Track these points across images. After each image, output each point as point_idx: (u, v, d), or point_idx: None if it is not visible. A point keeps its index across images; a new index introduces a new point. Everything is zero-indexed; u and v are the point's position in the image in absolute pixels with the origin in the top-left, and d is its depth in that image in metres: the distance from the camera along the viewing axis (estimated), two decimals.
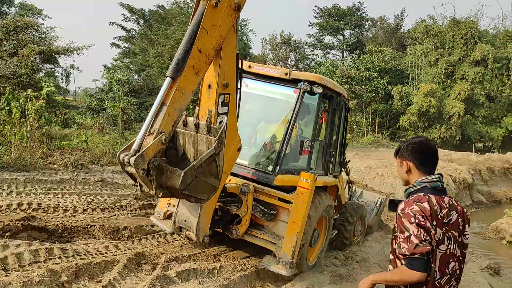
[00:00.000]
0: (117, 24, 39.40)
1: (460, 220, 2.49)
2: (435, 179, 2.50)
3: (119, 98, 22.58)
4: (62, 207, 7.71)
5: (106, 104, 25.09)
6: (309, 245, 5.88)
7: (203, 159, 4.16)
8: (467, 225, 2.54)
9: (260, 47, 56.94)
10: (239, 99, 5.06)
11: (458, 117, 35.02)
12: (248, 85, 6.03)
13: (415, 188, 2.51)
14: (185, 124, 4.55)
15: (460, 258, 2.51)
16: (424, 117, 36.14)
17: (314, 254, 6.33)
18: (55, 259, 4.88)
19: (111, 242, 5.90)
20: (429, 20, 43.40)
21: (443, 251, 2.39)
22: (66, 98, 36.64)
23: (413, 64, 40.74)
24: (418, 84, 38.71)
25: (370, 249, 7.53)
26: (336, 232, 7.31)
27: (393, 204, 2.83)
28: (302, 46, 52.75)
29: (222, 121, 4.65)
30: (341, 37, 54.20)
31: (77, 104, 38.54)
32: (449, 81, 39.02)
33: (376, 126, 40.18)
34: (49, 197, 8.49)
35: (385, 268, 6.80)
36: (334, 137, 7.04)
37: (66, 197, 8.72)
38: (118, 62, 43.42)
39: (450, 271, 2.44)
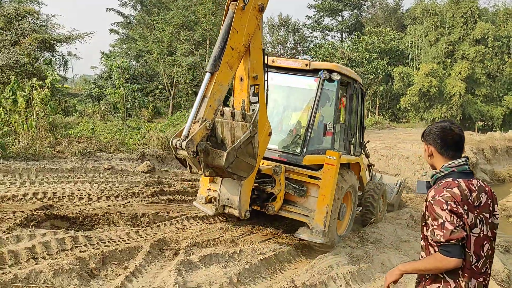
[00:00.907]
0: (114, 10, 38.95)
1: (489, 201, 2.49)
2: (462, 163, 2.49)
3: (120, 85, 22.44)
4: (76, 195, 7.78)
5: (107, 91, 24.96)
6: (338, 218, 6.45)
7: (241, 141, 4.85)
8: (495, 205, 2.54)
9: None
10: (267, 90, 5.71)
11: (459, 96, 35.01)
12: (273, 78, 6.44)
13: (443, 174, 2.50)
14: (222, 114, 5.10)
15: (491, 238, 2.50)
16: (425, 97, 36.11)
17: (343, 227, 6.93)
18: (81, 247, 4.96)
19: (131, 229, 5.98)
20: None
21: (477, 234, 2.38)
22: (65, 85, 36.36)
23: (413, 44, 40.53)
24: (418, 64, 38.59)
25: (383, 230, 7.63)
26: (361, 208, 7.93)
27: (422, 186, 2.79)
28: (300, 29, 52.36)
29: (254, 109, 5.23)
30: (340, 19, 53.84)
31: (76, 91, 38.43)
32: (449, 60, 38.88)
33: (377, 108, 40.18)
34: (62, 185, 8.56)
35: (399, 249, 6.92)
36: (353, 120, 7.54)
37: (79, 185, 8.79)
38: (116, 48, 43.10)
39: (485, 253, 2.44)
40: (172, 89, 35.30)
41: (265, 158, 6.20)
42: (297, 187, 6.31)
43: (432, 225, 2.35)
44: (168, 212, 7.32)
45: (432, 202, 2.37)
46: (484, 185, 2.52)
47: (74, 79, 57.18)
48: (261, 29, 5.34)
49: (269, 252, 5.73)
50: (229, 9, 4.90)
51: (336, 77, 6.44)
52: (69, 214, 6.27)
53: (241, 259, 5.39)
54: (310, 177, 6.25)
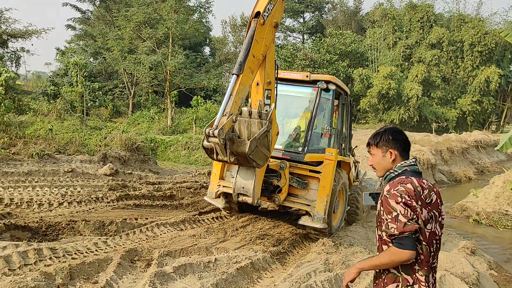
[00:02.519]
0: (71, 5, 37.48)
1: (438, 200, 2.57)
2: (412, 163, 2.60)
3: (77, 83, 21.56)
4: (36, 201, 7.33)
5: (63, 89, 23.93)
6: (333, 211, 7.38)
7: (260, 133, 5.69)
8: (442, 206, 2.62)
9: (221, 29, 55.93)
10: (276, 95, 6.77)
11: (416, 99, 36.11)
12: (277, 88, 7.08)
13: (396, 173, 2.57)
14: (240, 113, 5.83)
15: (440, 236, 2.58)
16: (384, 99, 37.01)
17: (336, 220, 7.84)
18: (46, 260, 4.60)
19: (99, 239, 5.64)
20: (387, 3, 44.32)
21: (430, 230, 2.44)
22: (17, 82, 34.61)
23: (372, 47, 41.47)
24: (377, 67, 39.51)
25: (355, 234, 7.64)
26: (349, 208, 8.89)
27: (368, 197, 3.02)
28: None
29: (267, 109, 6.22)
30: (301, 20, 54.29)
31: (29, 89, 36.65)
32: (407, 63, 40.12)
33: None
34: (19, 190, 8.04)
35: (372, 253, 6.92)
36: (344, 127, 8.65)
37: (38, 190, 8.29)
38: (72, 44, 41.53)
39: (434, 249, 2.50)
40: (132, 88, 34.41)
41: (271, 157, 6.88)
42: (299, 180, 7.27)
43: (387, 219, 2.38)
44: (136, 219, 7.01)
45: (387, 196, 2.41)
46: (432, 186, 2.60)
47: (26, 75, 54.67)
48: (274, 43, 6.55)
49: (245, 260, 5.56)
50: (251, 23, 5.93)
51: (332, 87, 7.51)
52: (30, 223, 5.85)
53: (216, 268, 5.19)
54: (311, 171, 7.19)
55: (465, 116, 38.69)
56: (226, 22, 51.22)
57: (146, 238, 6.16)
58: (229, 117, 5.39)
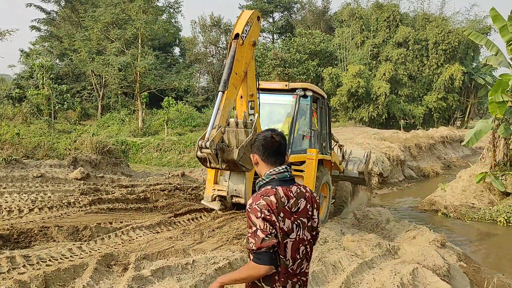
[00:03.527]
0: (35, 5, 36.39)
1: (308, 206, 2.58)
2: (282, 170, 2.57)
3: (44, 86, 21.01)
4: (5, 208, 7.10)
5: (29, 92, 23.27)
6: None
7: (247, 141, 6.36)
8: (315, 210, 2.65)
9: (190, 29, 55.34)
10: (259, 105, 7.46)
11: (384, 96, 36.89)
12: (260, 97, 7.72)
13: (264, 181, 2.57)
14: (228, 124, 6.56)
15: (311, 240, 2.61)
16: (353, 97, 37.65)
17: (322, 213, 8.61)
18: (20, 268, 4.47)
19: (73, 244, 5.53)
20: (354, 3, 45.08)
21: (293, 239, 2.46)
22: None
23: (341, 46, 42.10)
24: (346, 66, 40.14)
25: (330, 230, 7.74)
26: (334, 201, 10.30)
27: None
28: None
29: (252, 119, 6.89)
30: (271, 20, 54.52)
31: None
32: (374, 62, 40.96)
33: None
34: None
35: (347, 250, 7.06)
36: (323, 128, 9.40)
37: (6, 197, 8.03)
38: (37, 46, 40.37)
39: (301, 255, 2.53)
40: (101, 90, 33.79)
41: None
42: None
43: (248, 233, 2.41)
44: (111, 223, 6.90)
45: (249, 210, 2.41)
46: (305, 191, 2.62)
47: None
48: (254, 59, 7.29)
49: (223, 260, 5.56)
50: (231, 44, 6.60)
51: (309, 93, 8.25)
52: (0, 230, 5.67)
53: (195, 270, 5.17)
54: (295, 171, 7.84)
55: (432, 112, 39.83)
56: (195, 22, 50.84)
57: (122, 242, 6.08)
58: (218, 130, 6.13)
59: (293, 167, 7.89)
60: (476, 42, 15.25)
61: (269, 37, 55.43)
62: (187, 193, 11.00)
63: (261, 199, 2.39)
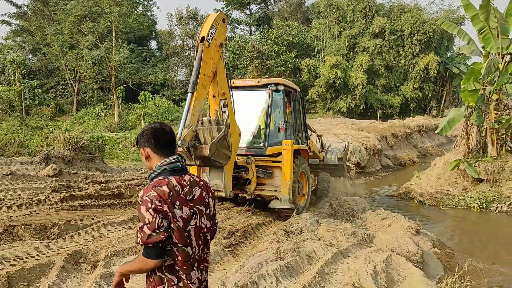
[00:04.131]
0: None
1: (204, 194, 2.60)
2: (173, 160, 2.55)
3: (16, 81, 20.44)
4: None
5: (0, 88, 22.60)
6: (298, 193, 8.69)
7: (218, 138, 6.70)
8: (211, 198, 2.68)
9: (167, 22, 54.70)
10: (233, 102, 7.68)
11: (361, 87, 37.18)
12: (234, 95, 7.94)
13: (156, 173, 2.53)
14: (202, 123, 6.90)
15: (210, 228, 2.65)
16: (331, 88, 37.83)
17: (303, 199, 9.23)
18: None
19: (40, 243, 5.37)
20: None
21: (194, 226, 2.48)
22: None
23: (318, 37, 42.17)
24: (324, 57, 40.26)
25: (306, 221, 7.74)
26: (320, 188, 11.20)
27: None
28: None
29: (225, 116, 7.18)
30: (248, 12, 54.22)
31: None
32: (351, 53, 41.19)
33: None
34: None
35: (323, 239, 7.07)
36: (298, 119, 9.78)
37: None
38: (8, 41, 39.22)
39: (202, 242, 2.55)
40: (75, 85, 33.08)
41: (238, 155, 8.11)
42: (265, 171, 8.44)
43: (138, 226, 2.38)
44: (81, 220, 6.75)
45: (140, 202, 2.37)
46: (198, 180, 2.63)
47: None
48: (222, 59, 7.54)
49: None
50: (198, 47, 6.90)
51: (281, 87, 8.72)
52: None
53: None
54: (274, 162, 8.36)
55: (408, 102, 40.33)
56: (172, 15, 50.27)
57: (92, 239, 5.94)
58: (190, 128, 6.43)
59: (271, 159, 8.40)
60: (449, 32, 15.42)
61: (246, 29, 55.19)
62: None
63: (153, 190, 2.34)
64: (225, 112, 7.40)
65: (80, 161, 13.14)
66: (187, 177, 2.53)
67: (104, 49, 25.55)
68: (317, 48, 42.07)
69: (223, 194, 7.56)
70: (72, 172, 11.40)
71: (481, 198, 11.90)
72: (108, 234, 6.26)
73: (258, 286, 4.94)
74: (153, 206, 2.28)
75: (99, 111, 29.71)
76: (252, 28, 54.95)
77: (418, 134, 26.51)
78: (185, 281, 2.42)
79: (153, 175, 2.51)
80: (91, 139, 21.13)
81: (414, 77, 39.46)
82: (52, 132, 14.54)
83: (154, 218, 2.27)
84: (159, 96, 33.08)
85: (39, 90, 21.32)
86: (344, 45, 41.10)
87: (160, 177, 2.44)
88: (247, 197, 8.57)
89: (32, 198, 7.95)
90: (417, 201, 12.82)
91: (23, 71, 23.74)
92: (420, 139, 26.27)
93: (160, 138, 2.55)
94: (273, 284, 5.07)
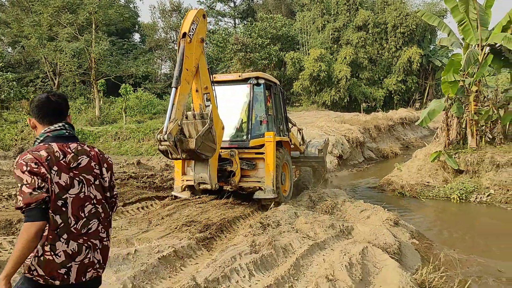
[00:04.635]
0: None
1: (93, 164, 2.54)
2: (58, 128, 2.50)
3: None
4: None
5: None
6: (281, 183, 8.94)
7: (203, 131, 6.89)
8: (104, 169, 2.61)
9: (150, 15, 54.06)
10: (216, 97, 7.96)
11: (345, 80, 37.22)
12: (216, 90, 8.20)
13: (39, 140, 2.47)
14: (186, 117, 7.07)
15: (103, 200, 2.57)
16: (315, 81, 37.78)
17: (286, 189, 9.44)
18: None
19: (4, 239, 5.16)
20: None
21: (74, 195, 2.39)
22: None
23: (302, 30, 42.05)
24: (308, 50, 40.17)
25: (284, 213, 7.64)
26: (301, 180, 11.39)
27: None
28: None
29: (208, 110, 7.36)
30: (232, 4, 53.82)
31: None
32: (335, 46, 41.17)
33: None
34: None
35: (300, 232, 6.98)
36: (279, 112, 10.01)
37: None
38: None
39: (87, 214, 2.45)
40: (56, 78, 32.45)
41: (222, 148, 8.30)
42: (248, 163, 8.67)
43: (17, 192, 2.33)
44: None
45: (15, 166, 2.30)
46: (89, 150, 2.57)
47: None
48: (204, 54, 7.75)
49: (168, 249, 5.35)
50: (180, 43, 7.05)
51: (262, 81, 8.93)
52: None
53: (136, 260, 4.93)
54: (257, 153, 8.60)
55: (392, 95, 40.54)
56: (155, 7, 49.67)
57: None
58: (175, 123, 6.63)
59: (254, 151, 8.64)
60: (429, 23, 15.43)
61: (230, 22, 54.78)
62: (141, 181, 10.71)
63: (29, 153, 2.28)
64: (208, 106, 7.58)
65: None
66: (73, 145, 2.47)
67: (83, 41, 25.04)
68: (301, 41, 41.96)
69: (208, 187, 7.76)
70: None
71: (460, 189, 11.96)
72: None
73: (230, 280, 4.81)
74: (29, 168, 2.21)
75: (80, 104, 29.21)
76: (236, 21, 54.62)
77: (401, 127, 26.67)
78: (48, 252, 2.26)
79: (36, 143, 2.43)
80: None
81: (397, 70, 39.66)
82: (27, 126, 14.18)
83: (32, 179, 2.20)
84: (141, 89, 32.63)
85: (14, 83, 20.79)
86: (328, 38, 41.06)
87: (41, 144, 2.37)
88: (232, 189, 8.74)
89: (2, 193, 7.70)
90: (398, 193, 12.85)
91: (0, 64, 23.16)
92: (403, 131, 26.43)
93: (44, 108, 2.48)
94: (246, 277, 4.95)
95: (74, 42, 25.39)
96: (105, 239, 2.58)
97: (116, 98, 30.19)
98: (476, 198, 11.70)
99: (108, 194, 2.62)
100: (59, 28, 26.78)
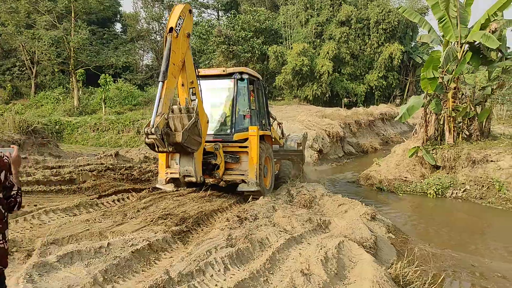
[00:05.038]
0: None
1: None
2: None
3: None
4: None
5: None
6: (264, 176, 9.10)
7: (190, 124, 7.02)
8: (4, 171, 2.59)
9: (132, 5, 53.09)
10: (201, 91, 8.04)
11: (327, 75, 37.34)
12: (201, 84, 8.21)
13: None
14: (172, 111, 7.09)
15: None
16: (298, 75, 37.81)
17: (268, 182, 9.62)
18: None
19: None
20: None
21: None
22: None
23: (286, 24, 41.97)
24: (291, 44, 40.13)
25: (262, 207, 7.61)
26: (281, 174, 11.54)
27: None
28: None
29: (194, 104, 7.55)
30: None
31: None
32: (318, 40, 41.23)
33: None
34: None
35: (277, 225, 6.95)
36: (261, 107, 10.14)
37: None
38: None
39: None
40: (33, 67, 31.70)
41: (207, 141, 8.34)
42: (232, 156, 8.76)
43: None
44: (23, 206, 6.36)
45: None
46: None
47: None
48: (190, 49, 7.85)
49: (142, 242, 5.25)
50: (167, 38, 7.10)
51: (246, 76, 9.03)
52: None
53: (109, 253, 4.83)
54: (241, 147, 8.71)
55: (373, 91, 40.90)
56: None
57: (31, 227, 5.59)
58: (162, 116, 6.70)
59: (238, 144, 8.75)
60: (411, 20, 15.53)
61: (214, 14, 54.33)
62: (119, 173, 10.52)
63: None
64: (194, 100, 7.71)
65: (31, 146, 12.55)
66: None
67: (62, 30, 24.48)
68: (285, 35, 41.89)
69: (193, 179, 7.90)
70: (22, 156, 10.83)
71: (437, 184, 12.13)
72: (49, 221, 5.92)
73: (205, 274, 4.75)
74: None
75: (58, 94, 28.62)
76: (220, 13, 54.17)
77: (381, 122, 26.92)
78: None
79: None
80: (48, 123, 20.33)
81: (379, 66, 39.99)
82: (1, 115, 13.81)
83: None
84: (122, 80, 32.13)
85: None
86: (311, 32, 41.08)
87: None
88: (216, 182, 8.87)
89: None
90: (376, 187, 12.97)
91: None
92: (383, 126, 26.68)
93: None
94: (221, 271, 4.90)
95: (52, 30, 24.82)
96: (2, 242, 2.55)
97: (96, 88, 29.70)
98: (452, 194, 11.88)
99: (4, 193, 2.56)
100: (37, 16, 26.11)
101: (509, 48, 13.87)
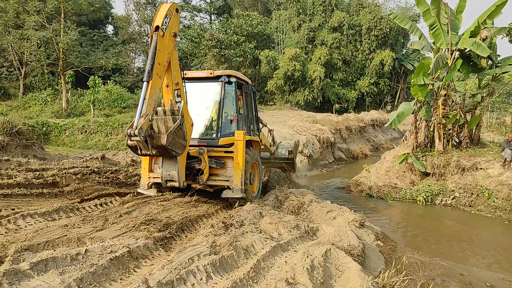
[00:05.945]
0: None
1: None
2: None
3: None
4: None
5: None
6: (250, 183, 8.84)
7: (175, 127, 6.75)
8: None
9: (124, 7, 52.81)
10: (186, 93, 7.77)
11: (319, 80, 37.35)
12: (187, 86, 8.00)
13: None
14: (156, 113, 6.83)
15: None
16: (289, 80, 37.76)
17: (254, 189, 9.44)
18: None
19: None
20: None
21: None
22: None
23: (278, 29, 41.97)
24: (283, 49, 40.11)
25: (248, 213, 7.44)
26: (270, 182, 11.48)
27: None
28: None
29: (179, 106, 7.28)
30: (208, 0, 53.22)
31: None
32: (310, 46, 41.27)
33: None
34: None
35: (264, 232, 6.79)
36: (249, 111, 9.89)
37: None
38: None
39: None
40: (22, 68, 31.30)
41: (191, 146, 8.12)
42: (217, 161, 8.51)
43: None
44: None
45: None
46: None
47: None
48: (176, 49, 7.57)
49: (122, 249, 5.05)
50: (153, 37, 6.88)
51: (233, 79, 8.83)
52: None
53: (86, 261, 4.63)
54: (226, 152, 8.45)
55: (364, 97, 41.00)
56: None
57: (6, 232, 5.36)
58: (146, 118, 6.40)
59: (223, 149, 8.47)
60: (401, 26, 15.52)
61: (206, 18, 54.23)
62: (104, 177, 10.31)
63: None
64: (179, 102, 7.49)
65: (15, 148, 12.27)
66: None
67: (51, 30, 24.17)
68: (277, 39, 41.88)
69: (176, 184, 7.56)
70: (3, 159, 10.57)
71: (426, 191, 12.06)
72: (26, 226, 5.69)
73: (186, 283, 4.57)
74: None
75: (46, 96, 28.25)
76: (212, 17, 54.09)
77: (372, 128, 26.93)
78: None
79: None
80: (35, 125, 20.01)
81: (370, 72, 40.11)
82: None
83: None
84: (111, 82, 31.80)
85: None
86: (304, 37, 41.13)
87: None
88: (199, 187, 8.76)
89: None
90: (366, 194, 12.87)
91: None
92: (373, 133, 26.68)
93: None
94: (203, 280, 4.72)
95: (41, 31, 24.48)
96: None
97: (85, 90, 29.36)
98: (441, 201, 11.82)
99: None
100: (26, 16, 25.77)
101: (499, 56, 13.89)
